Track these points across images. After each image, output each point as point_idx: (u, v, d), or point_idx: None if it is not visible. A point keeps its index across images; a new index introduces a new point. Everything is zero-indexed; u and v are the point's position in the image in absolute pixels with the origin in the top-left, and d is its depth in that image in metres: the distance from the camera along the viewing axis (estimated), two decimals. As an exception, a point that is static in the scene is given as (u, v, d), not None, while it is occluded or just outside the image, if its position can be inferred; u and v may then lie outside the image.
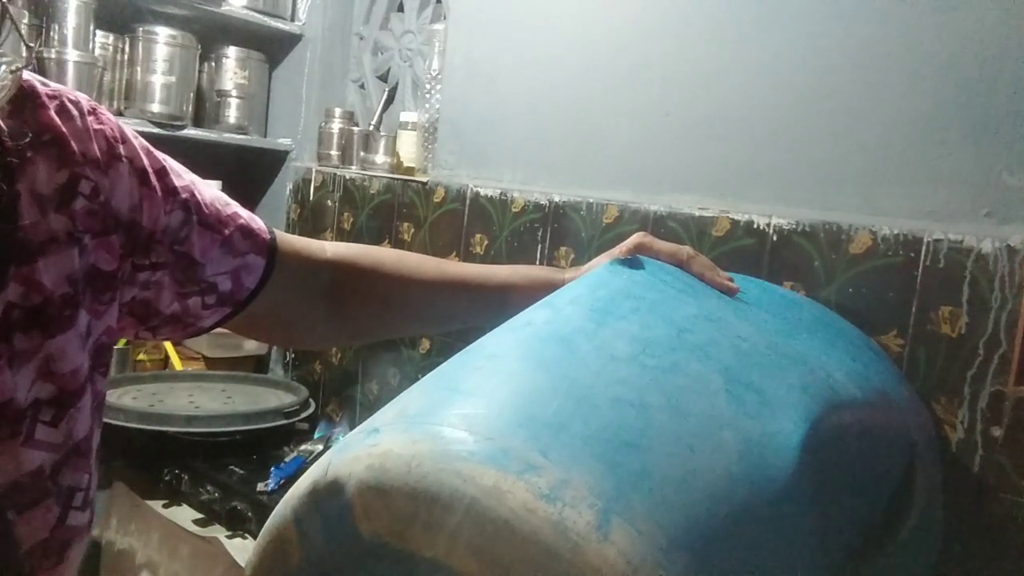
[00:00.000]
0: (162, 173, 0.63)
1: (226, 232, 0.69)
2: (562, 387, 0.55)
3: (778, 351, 0.68)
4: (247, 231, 0.71)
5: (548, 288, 0.83)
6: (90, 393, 0.57)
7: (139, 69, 1.69)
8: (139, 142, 0.63)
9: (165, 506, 1.39)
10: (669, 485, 0.49)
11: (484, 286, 0.86)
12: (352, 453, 0.52)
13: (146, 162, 0.62)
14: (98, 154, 0.57)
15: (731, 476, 0.52)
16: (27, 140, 0.53)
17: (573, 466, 0.48)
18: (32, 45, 0.42)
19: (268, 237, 0.73)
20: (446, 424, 0.51)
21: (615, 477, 0.48)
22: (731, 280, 0.81)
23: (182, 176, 0.66)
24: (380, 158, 1.71)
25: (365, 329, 0.86)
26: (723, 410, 0.57)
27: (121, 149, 0.60)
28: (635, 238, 0.82)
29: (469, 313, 0.88)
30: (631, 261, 0.78)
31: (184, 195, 0.65)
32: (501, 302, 0.85)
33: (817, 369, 0.68)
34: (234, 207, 0.71)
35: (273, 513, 0.57)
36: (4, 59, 0.44)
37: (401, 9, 1.83)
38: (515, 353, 0.60)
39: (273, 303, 0.74)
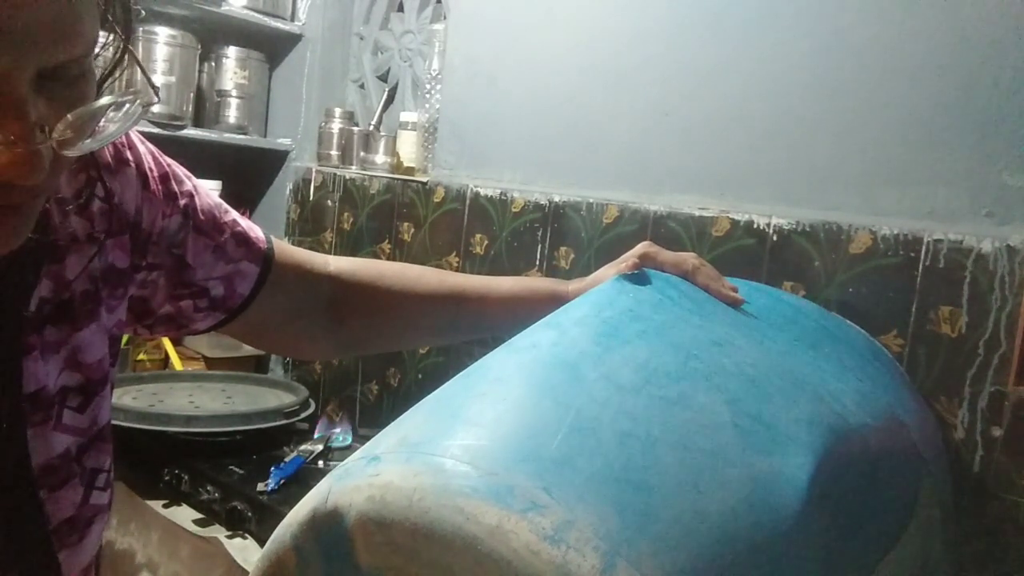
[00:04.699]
0: (164, 178, 0.65)
1: (220, 238, 0.70)
2: (567, 418, 0.54)
3: (785, 377, 0.67)
4: (243, 238, 0.72)
5: (552, 301, 0.82)
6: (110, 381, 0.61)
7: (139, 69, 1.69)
8: (145, 147, 0.65)
9: (165, 506, 1.39)
10: (675, 526, 0.49)
11: (486, 299, 0.85)
12: (353, 482, 0.52)
13: (150, 166, 0.64)
14: (108, 159, 0.60)
15: (737, 516, 0.51)
16: None
17: (578, 505, 0.47)
18: (156, 86, 0.44)
19: (265, 246, 0.74)
20: (448, 456, 0.50)
21: (620, 518, 0.47)
22: (736, 290, 0.80)
23: (184, 182, 0.68)
24: (380, 158, 1.71)
25: (366, 341, 0.87)
26: (730, 446, 0.56)
27: (128, 154, 0.62)
28: (640, 248, 0.81)
29: (471, 326, 0.87)
30: (637, 276, 0.77)
31: (183, 200, 0.67)
32: (504, 314, 0.85)
33: (825, 396, 0.67)
34: (233, 215, 0.73)
35: (272, 538, 0.56)
36: (134, 91, 0.46)
37: (401, 9, 1.83)
38: (519, 378, 0.59)
39: (271, 312, 0.75)
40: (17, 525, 0.53)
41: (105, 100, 0.44)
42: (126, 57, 0.50)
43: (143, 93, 0.46)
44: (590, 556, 0.45)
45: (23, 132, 0.40)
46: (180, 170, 0.68)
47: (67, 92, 0.43)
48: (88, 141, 0.44)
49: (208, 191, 0.71)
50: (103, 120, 0.45)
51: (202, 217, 0.68)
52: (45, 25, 0.39)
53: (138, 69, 0.50)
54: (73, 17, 0.41)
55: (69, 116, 0.42)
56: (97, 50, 0.46)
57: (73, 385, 0.57)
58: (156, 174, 0.64)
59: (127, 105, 0.46)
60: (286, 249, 0.77)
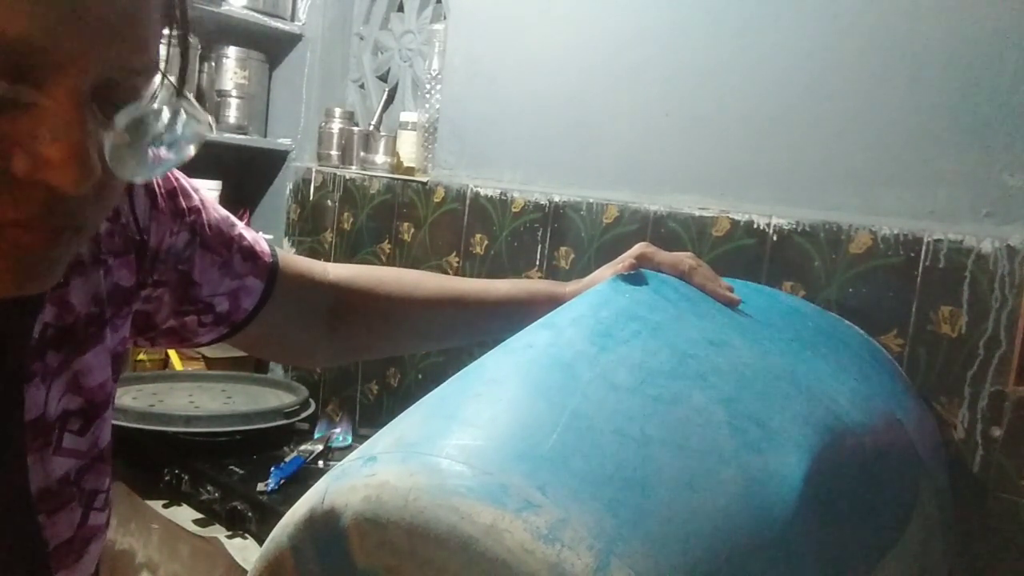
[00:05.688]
0: (172, 194, 0.64)
1: (227, 254, 0.69)
2: (562, 418, 0.54)
3: (781, 377, 0.67)
4: (249, 253, 0.71)
5: (549, 303, 0.82)
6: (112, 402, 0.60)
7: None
8: None
9: (165, 506, 1.39)
10: (669, 525, 0.49)
11: (484, 301, 0.85)
12: (349, 482, 0.52)
13: (158, 182, 0.63)
14: None
15: (732, 515, 0.51)
16: None
17: (572, 504, 0.47)
18: (211, 119, 0.43)
19: (269, 260, 0.73)
20: (444, 456, 0.51)
21: (615, 517, 0.48)
22: (732, 290, 0.80)
23: (192, 196, 0.67)
24: (380, 158, 1.71)
25: (365, 348, 0.87)
26: (725, 445, 0.56)
27: None
28: (637, 249, 0.81)
29: (469, 329, 0.88)
30: (633, 276, 0.77)
31: (191, 216, 0.66)
32: (502, 317, 0.85)
33: (821, 396, 0.67)
34: (239, 228, 0.72)
35: (269, 538, 0.56)
36: (194, 123, 0.45)
37: (401, 9, 1.83)
38: (515, 378, 0.59)
39: (272, 324, 0.75)
40: (15, 549, 0.53)
41: (155, 106, 0.42)
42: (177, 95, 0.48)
43: (195, 115, 0.45)
44: (584, 555, 0.45)
45: (79, 124, 0.38)
46: (187, 183, 0.67)
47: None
48: (143, 168, 0.43)
49: (215, 204, 0.70)
50: (152, 150, 0.44)
51: (209, 233, 0.68)
52: (115, 18, 0.38)
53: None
54: (145, 19, 0.40)
55: (120, 115, 0.40)
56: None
57: (74, 409, 0.56)
58: (164, 190, 0.63)
59: (176, 127, 0.44)
60: (289, 260, 0.77)
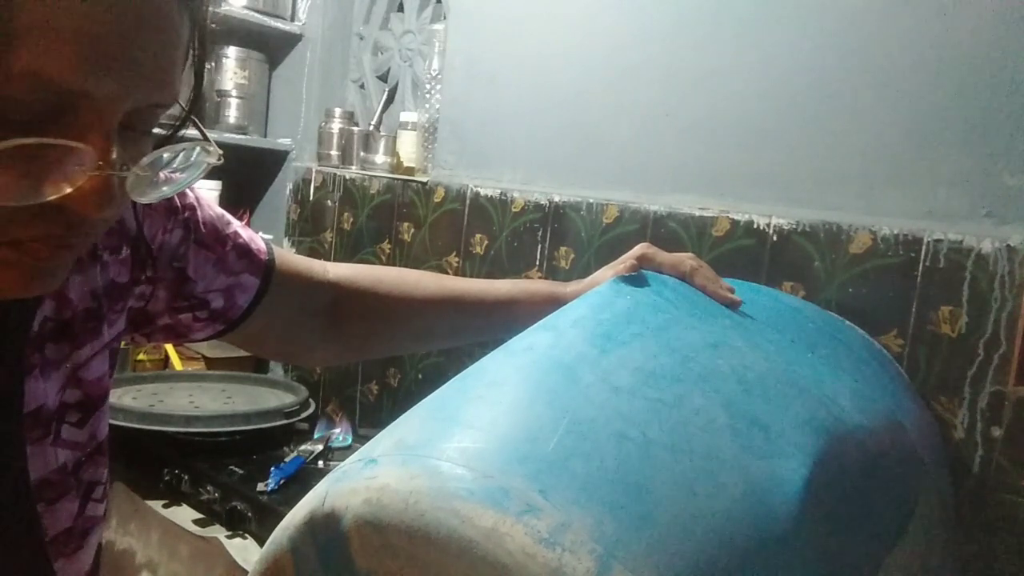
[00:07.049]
0: None
1: (221, 251, 0.70)
2: (563, 420, 0.54)
3: (783, 379, 0.67)
4: (244, 250, 0.72)
5: (550, 303, 0.82)
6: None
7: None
8: None
9: (165, 506, 1.39)
10: (671, 529, 0.48)
11: (484, 302, 0.85)
12: (349, 485, 0.52)
13: None
14: None
15: (733, 519, 0.51)
16: None
17: (573, 508, 0.47)
18: (220, 151, 0.49)
19: (266, 258, 0.74)
20: (444, 458, 0.50)
21: (616, 520, 0.47)
22: (733, 291, 0.80)
23: (186, 194, 0.67)
24: (380, 158, 1.71)
25: (365, 348, 0.87)
26: (726, 448, 0.56)
27: None
28: (637, 250, 0.81)
29: (470, 329, 0.88)
30: (634, 278, 0.77)
31: (185, 213, 0.67)
32: (502, 317, 0.85)
33: (823, 398, 0.67)
34: (235, 226, 0.72)
35: (269, 540, 0.56)
36: (195, 144, 0.49)
37: (401, 9, 1.83)
38: (515, 381, 0.59)
39: (270, 322, 0.75)
40: (15, 538, 0.54)
41: (168, 150, 0.46)
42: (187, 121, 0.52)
43: (206, 150, 0.48)
44: (585, 559, 0.45)
45: (109, 161, 0.41)
46: None
47: (137, 144, 0.44)
48: (155, 191, 0.46)
49: (210, 202, 0.71)
50: (162, 173, 0.48)
51: (204, 230, 0.68)
52: (150, 62, 0.41)
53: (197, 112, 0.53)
54: (174, 60, 0.43)
55: (144, 159, 0.44)
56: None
57: (73, 402, 0.57)
58: None
59: (188, 155, 0.48)
60: (287, 258, 0.77)
